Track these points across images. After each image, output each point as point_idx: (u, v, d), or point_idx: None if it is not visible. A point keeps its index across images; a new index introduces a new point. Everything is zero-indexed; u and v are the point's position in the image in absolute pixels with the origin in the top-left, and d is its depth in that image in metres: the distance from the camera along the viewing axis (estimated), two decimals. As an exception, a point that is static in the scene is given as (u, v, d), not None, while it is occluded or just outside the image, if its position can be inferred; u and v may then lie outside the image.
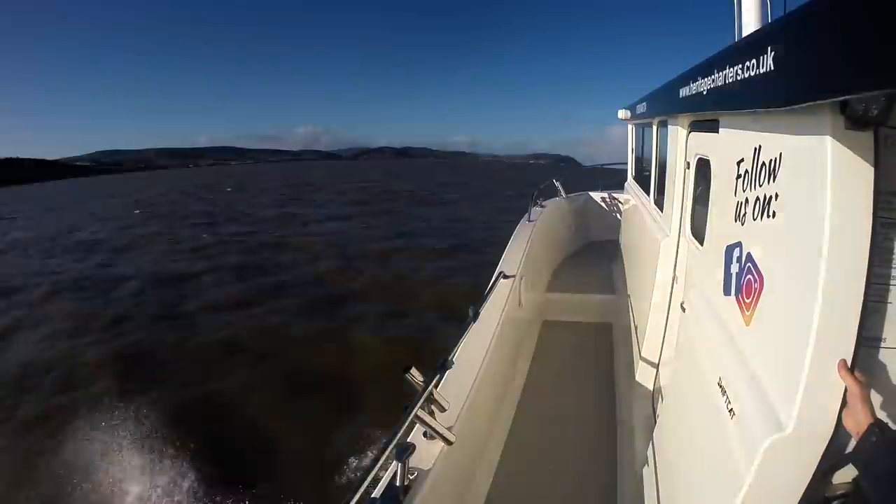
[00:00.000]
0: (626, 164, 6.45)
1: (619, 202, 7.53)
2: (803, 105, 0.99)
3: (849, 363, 1.08)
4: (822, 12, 0.87)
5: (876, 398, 1.16)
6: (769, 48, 1.13)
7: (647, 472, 2.57)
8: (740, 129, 1.75)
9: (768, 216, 1.39)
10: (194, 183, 74.53)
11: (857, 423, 1.05)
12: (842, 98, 0.94)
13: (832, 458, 1.16)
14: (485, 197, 36.97)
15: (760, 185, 1.46)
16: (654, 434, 2.62)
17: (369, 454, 6.30)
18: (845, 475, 1.18)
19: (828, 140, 1.05)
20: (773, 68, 1.13)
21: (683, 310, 2.61)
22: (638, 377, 3.42)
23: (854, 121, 1.00)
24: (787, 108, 1.09)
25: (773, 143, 1.39)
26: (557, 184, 7.84)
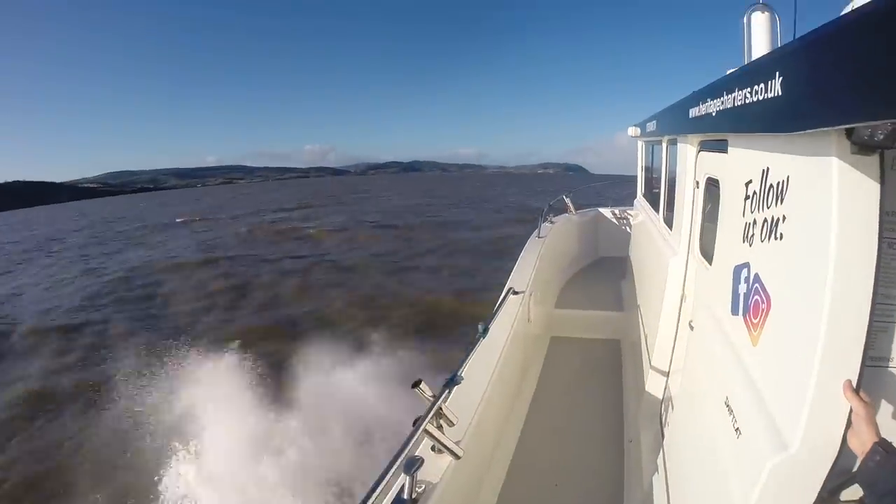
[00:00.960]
0: (636, 174, 6.47)
1: (629, 218, 7.52)
2: (810, 131, 1.02)
3: (854, 383, 1.10)
4: (830, 40, 0.88)
5: (882, 416, 1.18)
6: (777, 73, 1.15)
7: (655, 489, 2.56)
8: (749, 149, 1.76)
9: (776, 238, 1.41)
10: (99, 214, 68.55)
11: (861, 444, 1.06)
12: (848, 126, 0.96)
13: (838, 477, 1.17)
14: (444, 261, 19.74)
15: (768, 207, 1.48)
16: (661, 451, 2.61)
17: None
18: (854, 493, 1.17)
19: (834, 163, 1.07)
20: (780, 93, 1.15)
21: (692, 328, 2.61)
22: (646, 395, 3.40)
23: (860, 145, 1.02)
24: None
25: (781, 165, 1.41)
26: (567, 199, 7.82)
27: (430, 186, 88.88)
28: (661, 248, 3.63)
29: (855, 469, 1.14)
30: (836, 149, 1.06)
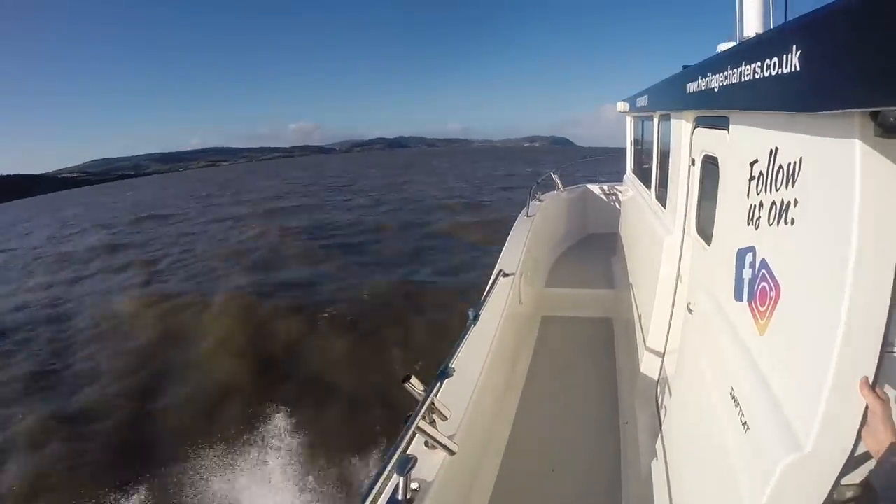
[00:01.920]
0: (624, 148, 6.36)
1: (618, 193, 7.44)
2: (830, 112, 0.92)
3: (871, 379, 1.04)
4: (862, 10, 0.79)
5: None
6: (794, 47, 1.04)
7: (653, 474, 2.52)
8: (753, 127, 1.66)
9: (786, 222, 1.33)
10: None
11: (877, 443, 1.02)
12: (878, 109, 0.86)
13: (847, 471, 1.13)
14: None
15: (777, 190, 1.40)
16: (659, 437, 2.57)
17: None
18: (854, 477, 1.16)
19: (857, 146, 0.98)
20: (797, 69, 1.04)
21: (690, 311, 2.53)
22: (641, 376, 3.35)
23: (886, 128, 0.91)
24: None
25: (792, 145, 1.31)
26: (555, 177, 7.69)
27: (381, 168, 73.43)
28: (653, 226, 3.55)
29: (871, 468, 1.11)
30: (859, 130, 0.97)
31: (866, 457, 1.10)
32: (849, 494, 1.17)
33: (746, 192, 1.67)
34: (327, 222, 24.26)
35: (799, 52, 1.03)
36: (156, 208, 41.16)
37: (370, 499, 1.49)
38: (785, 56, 1.10)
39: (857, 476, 1.14)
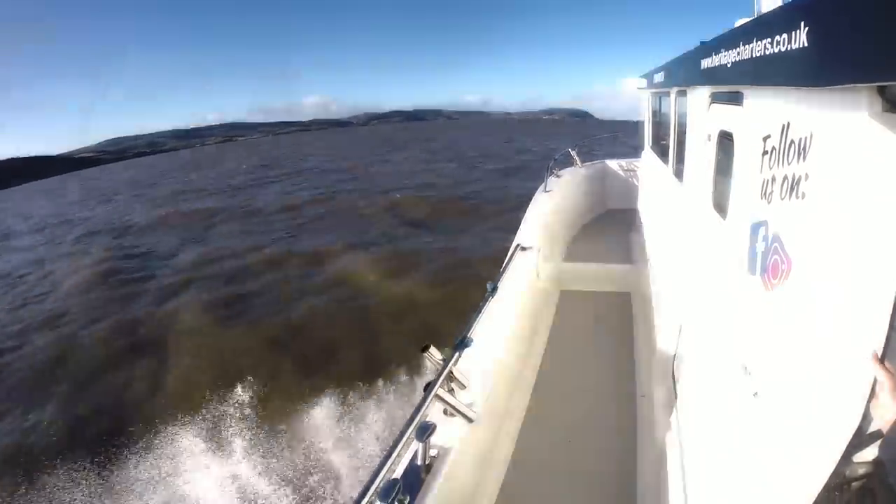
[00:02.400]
0: (643, 122, 6.33)
1: (637, 170, 7.45)
2: (837, 87, 0.97)
3: (879, 352, 1.05)
4: None
5: None
6: (803, 23, 1.08)
7: (668, 447, 2.60)
8: (767, 103, 1.69)
9: (797, 196, 1.37)
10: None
11: (885, 415, 1.03)
12: (883, 84, 0.91)
13: (857, 445, 1.14)
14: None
15: (789, 164, 1.43)
16: (674, 410, 2.64)
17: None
18: (866, 455, 1.16)
19: (864, 121, 1.00)
20: (806, 45, 1.08)
21: (706, 284, 2.59)
22: (658, 350, 3.39)
23: (893, 103, 0.95)
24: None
25: (804, 120, 1.35)
26: (573, 153, 7.72)
27: (370, 146, 67.38)
28: (671, 201, 3.56)
29: (873, 434, 1.14)
30: (867, 106, 0.99)
31: (878, 434, 1.11)
32: (861, 471, 1.18)
33: (760, 166, 1.70)
34: (174, 263, 16.71)
35: (807, 29, 1.07)
36: (85, 207, 37.61)
37: (389, 463, 1.54)
38: (793, 32, 1.13)
39: (870, 453, 1.15)
